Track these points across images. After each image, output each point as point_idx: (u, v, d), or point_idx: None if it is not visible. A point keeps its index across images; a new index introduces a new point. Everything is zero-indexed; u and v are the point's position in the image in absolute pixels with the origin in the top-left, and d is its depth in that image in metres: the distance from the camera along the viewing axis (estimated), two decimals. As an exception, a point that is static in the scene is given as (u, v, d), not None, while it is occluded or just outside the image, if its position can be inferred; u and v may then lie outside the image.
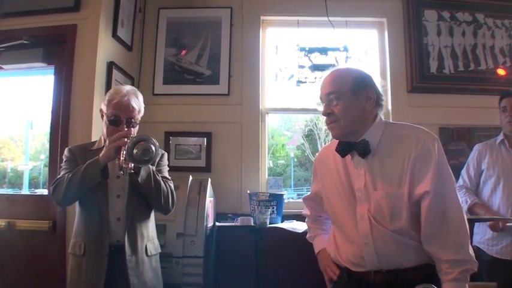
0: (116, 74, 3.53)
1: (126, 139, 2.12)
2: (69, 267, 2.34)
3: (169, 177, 2.50)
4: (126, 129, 2.24)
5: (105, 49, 3.41)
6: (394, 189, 1.72)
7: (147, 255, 2.35)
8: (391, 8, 4.14)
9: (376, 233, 1.75)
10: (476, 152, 3.19)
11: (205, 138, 3.95)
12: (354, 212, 1.81)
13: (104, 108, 2.31)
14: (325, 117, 1.86)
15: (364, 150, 1.77)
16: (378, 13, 4.17)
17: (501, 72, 4.06)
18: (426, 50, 4.04)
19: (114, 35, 3.56)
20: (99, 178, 2.16)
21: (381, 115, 1.86)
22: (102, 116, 2.35)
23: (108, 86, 3.39)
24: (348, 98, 1.77)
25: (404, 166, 1.72)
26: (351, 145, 1.81)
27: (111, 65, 3.46)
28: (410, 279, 1.69)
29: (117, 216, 2.28)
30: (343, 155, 1.84)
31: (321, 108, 1.84)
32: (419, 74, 3.99)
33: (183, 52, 4.09)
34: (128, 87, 2.37)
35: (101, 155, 2.16)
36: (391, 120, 3.89)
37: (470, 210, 3.02)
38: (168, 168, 2.57)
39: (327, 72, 1.87)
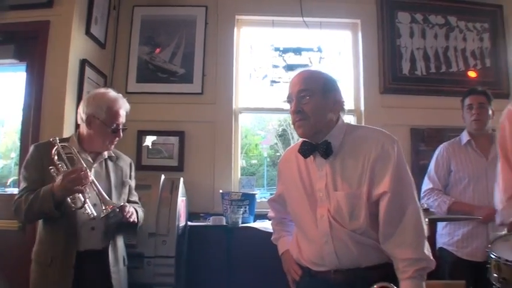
0: (88, 71, 3.68)
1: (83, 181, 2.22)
2: (31, 275, 2.35)
3: (136, 194, 2.73)
4: (85, 169, 2.26)
5: (78, 46, 3.56)
6: (353, 190, 1.84)
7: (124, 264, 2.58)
8: (365, 9, 4.42)
9: (336, 233, 1.86)
10: (444, 152, 3.33)
11: (178, 137, 4.13)
12: (315, 212, 1.92)
13: (100, 113, 2.39)
14: (292, 115, 1.96)
15: (326, 151, 1.89)
16: (352, 14, 4.44)
17: (472, 74, 4.37)
18: (399, 51, 4.33)
19: (88, 32, 3.71)
20: (56, 214, 2.21)
21: (343, 119, 2.01)
22: (90, 120, 2.41)
23: (80, 84, 3.55)
24: (319, 97, 1.88)
25: (364, 167, 1.84)
26: (313, 146, 1.93)
27: (83, 63, 3.61)
28: (369, 278, 1.76)
29: (91, 226, 2.38)
30: (305, 156, 1.95)
31: (288, 106, 1.98)
32: (392, 75, 4.27)
33: (157, 50, 4.27)
34: (117, 93, 2.53)
35: (56, 186, 2.19)
36: (363, 121, 4.17)
37: (450, 209, 3.15)
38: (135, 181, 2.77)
39: (297, 71, 2.02)
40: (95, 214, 2.26)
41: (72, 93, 3.43)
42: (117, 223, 2.44)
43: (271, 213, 2.39)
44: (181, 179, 3.65)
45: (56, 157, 2.28)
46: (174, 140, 4.13)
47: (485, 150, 3.22)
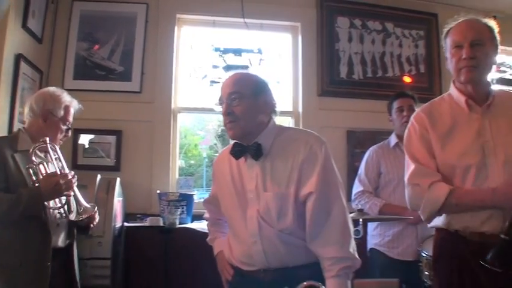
0: (24, 67, 3.59)
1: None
2: None
3: None
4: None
5: (14, 40, 3.47)
6: (282, 190, 1.88)
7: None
8: (306, 13, 4.53)
9: (264, 233, 1.90)
10: (374, 155, 3.42)
11: (115, 137, 4.11)
12: (245, 212, 1.95)
13: (58, 111, 2.46)
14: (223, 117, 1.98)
15: (256, 153, 1.92)
16: (293, 18, 4.54)
17: (407, 79, 4.57)
18: (337, 55, 4.48)
19: (24, 26, 3.61)
20: (43, 216, 2.29)
21: (275, 120, 2.04)
22: (46, 116, 2.44)
23: (15, 80, 3.47)
24: (249, 99, 1.92)
25: (292, 168, 1.88)
26: (244, 148, 1.95)
27: (19, 58, 3.53)
28: (298, 277, 1.75)
29: (57, 223, 2.39)
30: (236, 157, 1.98)
31: (219, 108, 2.01)
32: (330, 78, 4.41)
33: (96, 47, 4.22)
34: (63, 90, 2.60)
35: (45, 190, 2.25)
36: (301, 123, 4.27)
37: (381, 211, 3.24)
38: None
39: (229, 74, 2.06)
40: (69, 215, 2.39)
41: (5, 89, 3.35)
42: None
43: (206, 215, 2.42)
44: (118, 179, 3.65)
45: (33, 157, 2.32)
46: (111, 139, 4.11)
47: None
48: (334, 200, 1.88)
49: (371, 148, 3.50)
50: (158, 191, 3.87)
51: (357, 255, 1.85)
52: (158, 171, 4.13)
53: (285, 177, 1.89)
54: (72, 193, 2.36)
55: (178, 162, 4.36)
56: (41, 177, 2.29)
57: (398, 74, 4.58)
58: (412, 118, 2.19)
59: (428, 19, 4.78)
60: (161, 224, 3.61)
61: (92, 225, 2.54)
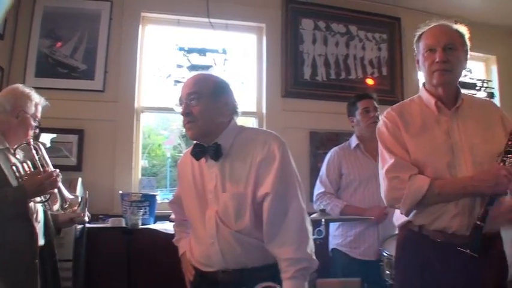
0: (-17, 63, 3.50)
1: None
2: None
3: None
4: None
5: None
6: (240, 191, 1.89)
7: None
8: (271, 14, 4.59)
9: (222, 233, 1.91)
10: (335, 156, 3.46)
11: (77, 136, 4.06)
12: (204, 213, 1.97)
13: (30, 108, 2.49)
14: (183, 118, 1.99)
15: (215, 153, 1.93)
16: (258, 18, 4.60)
17: (369, 82, 4.68)
18: (301, 57, 4.55)
19: None
20: (27, 211, 2.33)
21: (236, 121, 2.06)
22: (18, 113, 2.45)
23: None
24: (208, 100, 1.93)
25: (250, 168, 1.89)
26: (204, 148, 1.97)
27: (-22, 54, 3.44)
28: (256, 278, 1.83)
29: (38, 219, 2.42)
30: (197, 158, 1.99)
31: (179, 109, 2.02)
32: (294, 79, 4.48)
33: (58, 44, 4.17)
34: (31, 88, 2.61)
35: (30, 189, 2.28)
36: (264, 123, 4.33)
37: (342, 213, 3.28)
38: None
39: (193, 74, 2.10)
40: (54, 210, 2.47)
41: (-36, 86, 3.30)
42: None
43: (173, 215, 2.47)
44: (80, 179, 3.62)
45: (17, 155, 2.40)
46: (72, 138, 4.05)
47: (374, 153, 3.25)
48: (291, 200, 1.88)
49: (332, 149, 3.54)
50: (120, 192, 3.84)
51: (314, 256, 1.86)
52: (121, 171, 4.10)
53: (243, 178, 1.91)
54: (56, 190, 2.42)
55: (141, 162, 4.35)
56: (25, 175, 2.33)
57: (361, 77, 4.70)
58: (383, 116, 2.23)
59: (391, 23, 4.91)
60: (123, 224, 3.59)
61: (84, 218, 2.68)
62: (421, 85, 2.25)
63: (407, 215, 2.08)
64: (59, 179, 2.42)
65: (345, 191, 3.41)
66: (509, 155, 1.95)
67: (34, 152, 2.44)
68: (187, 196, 2.11)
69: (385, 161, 2.10)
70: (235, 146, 1.98)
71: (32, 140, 2.43)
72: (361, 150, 3.42)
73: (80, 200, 2.56)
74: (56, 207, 2.46)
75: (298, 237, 1.85)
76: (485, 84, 5.14)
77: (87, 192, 2.63)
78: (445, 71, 2.05)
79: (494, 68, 5.68)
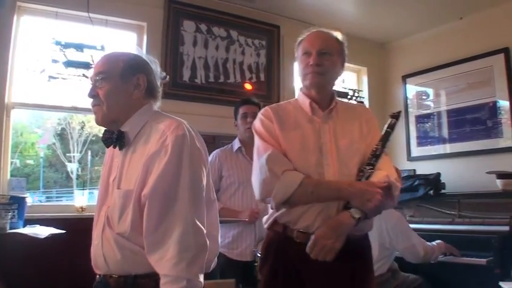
0: None
1: None
2: None
3: None
4: None
5: None
6: (130, 188, 1.72)
7: None
8: (152, 13, 4.67)
9: (106, 235, 1.77)
10: (216, 159, 3.57)
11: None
12: (100, 210, 1.85)
13: None
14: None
15: (118, 142, 1.81)
16: (139, 17, 4.65)
17: (248, 86, 4.97)
18: (181, 58, 4.70)
19: None
20: None
21: (156, 107, 1.95)
22: None
23: None
24: (116, 81, 1.80)
25: (143, 163, 1.71)
26: (111, 135, 1.84)
27: None
28: (141, 287, 1.72)
29: None
30: (106, 145, 1.87)
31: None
32: (173, 81, 4.61)
33: None
34: None
35: None
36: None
37: (219, 215, 3.43)
38: None
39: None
40: None
41: None
42: None
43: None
44: None
45: None
46: None
47: None
48: (174, 204, 1.66)
49: (214, 152, 3.67)
50: (-13, 193, 3.69)
51: (200, 275, 1.65)
52: (-13, 172, 3.94)
53: (135, 174, 1.73)
54: None
55: (11, 162, 4.18)
56: None
57: (240, 81, 4.97)
58: (259, 113, 2.29)
59: (271, 30, 5.23)
60: (-10, 229, 3.46)
61: None
62: (298, 91, 2.40)
63: (277, 209, 2.13)
64: None
65: (224, 193, 3.56)
66: (368, 167, 2.11)
67: None
68: (99, 186, 1.95)
69: (260, 153, 2.13)
70: (141, 134, 1.82)
71: None
72: (243, 153, 3.60)
73: None
74: None
75: (179, 251, 1.60)
76: (356, 94, 5.64)
77: None
78: (318, 74, 2.15)
79: (365, 79, 6.32)
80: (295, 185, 2.00)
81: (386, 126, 2.23)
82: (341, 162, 2.13)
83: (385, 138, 2.20)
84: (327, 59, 2.16)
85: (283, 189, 2.02)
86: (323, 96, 2.23)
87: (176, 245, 1.60)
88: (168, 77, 2.07)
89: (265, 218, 2.29)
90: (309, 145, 2.15)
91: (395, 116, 2.26)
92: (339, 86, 5.43)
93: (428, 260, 3.80)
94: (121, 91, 1.82)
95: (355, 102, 5.55)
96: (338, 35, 2.31)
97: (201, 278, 1.64)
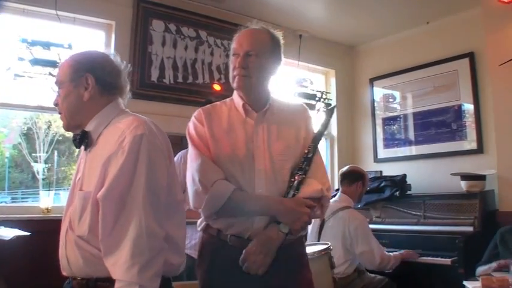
0: None
1: None
2: None
3: None
4: None
5: None
6: (89, 189, 1.71)
7: None
8: (121, 12, 4.71)
9: (68, 237, 1.76)
10: (181, 160, 3.56)
11: None
12: (67, 211, 1.83)
13: None
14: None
15: (80, 143, 1.81)
16: (108, 15, 4.68)
17: (216, 87, 5.03)
18: (149, 58, 4.75)
19: None
20: None
21: (119, 103, 1.94)
22: None
23: None
24: (67, 86, 1.81)
25: (101, 164, 1.70)
26: (76, 135, 1.84)
27: None
28: None
29: None
30: (74, 145, 1.87)
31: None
32: (140, 81, 4.66)
33: None
34: None
35: None
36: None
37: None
38: None
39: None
40: None
41: None
42: None
43: None
44: None
45: None
46: None
47: None
48: (130, 207, 1.65)
49: (180, 152, 3.71)
50: None
51: (154, 280, 1.63)
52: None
53: (95, 175, 1.71)
54: None
55: None
56: None
57: (208, 82, 5.04)
58: (193, 115, 2.25)
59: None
60: (-52, 232, 3.43)
61: None
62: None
63: (207, 220, 2.13)
64: None
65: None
66: (300, 172, 2.10)
67: None
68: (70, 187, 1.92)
69: (192, 162, 2.10)
70: (104, 134, 1.81)
71: None
72: None
73: None
74: None
75: (132, 255, 1.58)
76: (324, 96, 5.74)
77: None
78: (243, 77, 2.09)
79: (333, 81, 6.45)
80: (223, 199, 1.98)
81: (320, 124, 2.26)
82: (274, 168, 2.10)
83: (318, 137, 2.22)
84: (252, 61, 2.09)
85: (212, 203, 2.00)
86: (255, 97, 2.18)
87: (129, 249, 1.58)
88: (129, 65, 2.05)
89: (198, 221, 2.24)
90: (240, 150, 2.10)
91: (329, 113, 2.31)
92: (307, 88, 5.55)
93: (383, 269, 3.92)
94: (73, 95, 1.82)
95: (323, 104, 5.67)
96: (272, 32, 2.24)
97: (157, 282, 1.63)
